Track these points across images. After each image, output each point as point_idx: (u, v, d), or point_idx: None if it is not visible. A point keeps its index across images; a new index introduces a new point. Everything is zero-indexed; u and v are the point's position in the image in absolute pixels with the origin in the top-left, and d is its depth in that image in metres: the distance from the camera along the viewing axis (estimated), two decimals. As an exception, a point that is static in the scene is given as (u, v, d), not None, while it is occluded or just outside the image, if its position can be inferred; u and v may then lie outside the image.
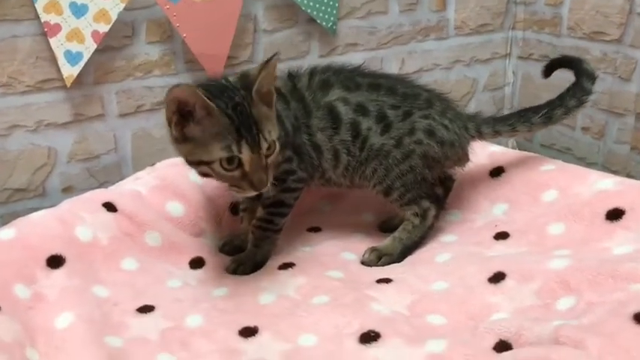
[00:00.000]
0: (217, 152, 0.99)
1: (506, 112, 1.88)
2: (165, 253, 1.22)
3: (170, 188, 1.30)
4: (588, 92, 1.25)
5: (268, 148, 1.02)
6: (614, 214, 1.12)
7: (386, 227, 1.34)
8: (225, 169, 1.00)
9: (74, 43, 1.31)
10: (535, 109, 1.27)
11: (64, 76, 1.34)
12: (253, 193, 1.04)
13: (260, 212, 1.20)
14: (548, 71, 1.31)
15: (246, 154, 0.99)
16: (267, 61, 1.02)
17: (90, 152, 1.45)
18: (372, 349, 0.94)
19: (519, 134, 1.30)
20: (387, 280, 1.13)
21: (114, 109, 1.44)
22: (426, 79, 1.73)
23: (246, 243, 1.26)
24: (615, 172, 1.59)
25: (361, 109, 1.18)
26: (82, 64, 1.33)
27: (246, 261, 1.20)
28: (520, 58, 1.82)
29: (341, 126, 1.18)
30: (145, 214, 1.23)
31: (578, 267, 1.00)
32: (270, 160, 1.03)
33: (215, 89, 1.02)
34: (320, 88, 1.19)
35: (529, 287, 1.01)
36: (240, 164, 1.00)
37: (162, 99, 1.47)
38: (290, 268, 1.18)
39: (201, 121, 0.99)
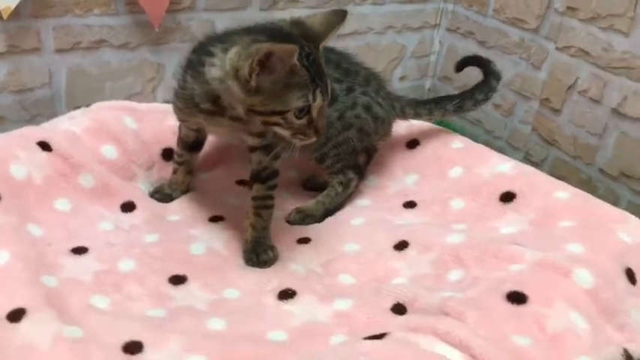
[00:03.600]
0: (294, 102, 1.00)
1: (429, 79, 2.00)
2: (98, 196, 1.27)
3: (105, 131, 1.34)
4: (494, 89, 1.44)
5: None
6: (507, 197, 1.28)
7: (310, 185, 1.45)
8: (297, 118, 1.02)
9: (12, -25, 1.29)
10: (450, 98, 1.44)
11: (1, 8, 1.31)
12: (314, 139, 1.06)
13: (257, 190, 1.19)
14: (460, 67, 1.46)
15: (318, 102, 1.03)
16: (341, 15, 1.03)
17: (23, 84, 1.45)
18: (288, 305, 1.06)
19: (435, 118, 1.45)
20: (307, 240, 1.25)
21: (50, 43, 1.44)
22: (358, 42, 1.82)
23: (177, 192, 1.34)
24: (516, 149, 1.77)
25: None
26: (20, -3, 1.31)
27: (265, 249, 1.17)
28: (448, 30, 1.93)
29: None
30: (79, 156, 1.27)
31: (470, 243, 1.15)
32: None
33: (281, 38, 1.00)
34: None
35: (427, 257, 1.16)
36: (308, 112, 1.03)
37: (100, 38, 1.49)
38: (220, 222, 1.28)
39: (275, 72, 0.98)
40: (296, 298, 1.08)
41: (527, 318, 0.95)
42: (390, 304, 1.06)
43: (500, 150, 1.81)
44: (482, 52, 1.80)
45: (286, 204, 1.37)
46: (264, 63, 0.96)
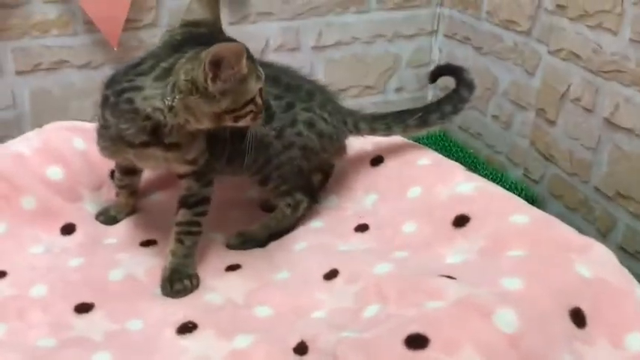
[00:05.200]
0: (255, 85, 1.01)
1: (429, 90, 1.86)
2: (39, 218, 1.25)
3: (52, 152, 1.33)
4: (465, 100, 1.30)
5: None
6: (460, 221, 1.13)
7: (268, 207, 1.36)
8: (260, 96, 1.03)
9: (-39, 0, 1.32)
10: (411, 112, 1.30)
11: (-47, 33, 1.35)
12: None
13: (183, 215, 1.14)
14: (433, 77, 1.35)
15: (263, 73, 1.03)
16: None
17: (-14, 107, 1.48)
18: (186, 340, 0.98)
19: (394, 134, 1.32)
20: (237, 267, 1.16)
21: (10, 66, 1.46)
22: (344, 53, 1.72)
23: (122, 214, 1.30)
24: (516, 165, 1.60)
25: None
26: (-30, 21, 1.34)
27: (181, 278, 1.11)
28: (446, 36, 1.79)
29: None
30: (22, 178, 1.26)
31: (398, 275, 1.03)
32: None
33: (207, 41, 0.99)
34: None
35: (352, 288, 1.05)
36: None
37: (60, 58, 1.49)
38: (152, 246, 1.22)
39: (227, 72, 0.97)
40: (196, 332, 1.00)
41: (420, 367, 0.81)
42: (295, 341, 0.96)
43: (501, 167, 1.65)
44: (479, 59, 1.65)
45: (237, 226, 1.30)
46: (217, 66, 0.95)
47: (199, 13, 1.04)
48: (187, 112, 1.00)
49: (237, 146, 1.18)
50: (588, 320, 0.91)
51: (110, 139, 1.10)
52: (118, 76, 1.08)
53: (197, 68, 0.96)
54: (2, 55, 1.44)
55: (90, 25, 1.46)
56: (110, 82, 1.08)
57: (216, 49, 0.94)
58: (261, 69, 1.03)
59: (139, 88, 1.01)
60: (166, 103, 0.99)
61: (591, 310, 0.92)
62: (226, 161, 1.21)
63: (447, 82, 1.37)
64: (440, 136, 1.84)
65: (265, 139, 1.20)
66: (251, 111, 1.02)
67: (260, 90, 1.02)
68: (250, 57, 1.00)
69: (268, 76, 1.22)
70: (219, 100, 0.99)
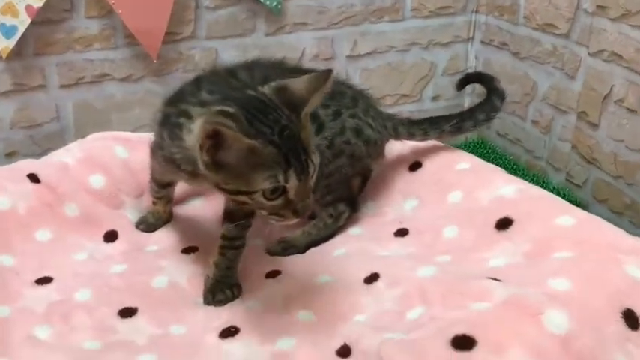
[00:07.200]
0: (261, 183, 0.87)
1: (466, 97, 1.85)
2: (82, 225, 1.27)
3: (95, 161, 1.35)
4: (497, 109, 1.30)
5: (313, 173, 0.92)
6: (503, 224, 1.12)
7: (310, 214, 1.36)
8: (267, 199, 0.89)
9: (8, 16, 1.36)
10: (447, 118, 1.31)
11: (0, 49, 1.39)
12: (295, 221, 0.93)
13: (227, 229, 1.11)
14: (461, 84, 1.36)
15: (293, 183, 0.89)
16: (323, 78, 0.91)
17: (32, 120, 1.51)
18: (227, 343, 0.98)
19: (430, 139, 1.32)
20: (277, 273, 1.16)
21: (55, 80, 1.49)
22: (379, 62, 1.72)
23: (160, 222, 1.32)
24: (557, 170, 1.57)
25: None
26: (17, 37, 1.38)
27: (223, 288, 1.09)
28: (482, 43, 1.78)
29: None
30: (66, 186, 1.29)
31: (441, 278, 1.01)
32: (312, 183, 0.93)
33: (256, 110, 0.89)
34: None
35: (394, 292, 1.03)
36: (284, 192, 0.89)
37: (102, 72, 1.53)
38: (192, 253, 1.23)
39: (232, 150, 0.86)
40: (238, 336, 1.00)
41: (468, 368, 0.79)
42: (338, 344, 0.95)
43: (542, 172, 1.62)
44: (517, 64, 1.63)
45: (278, 232, 1.29)
46: (217, 140, 0.85)
47: (297, 85, 0.92)
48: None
49: None
50: (641, 321, 0.88)
51: (164, 160, 1.06)
52: (183, 94, 1.02)
53: (199, 133, 0.87)
54: (47, 70, 1.48)
55: (130, 39, 1.49)
56: (174, 99, 1.03)
57: (216, 125, 0.84)
58: (294, 174, 0.88)
59: (189, 116, 0.94)
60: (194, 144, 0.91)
61: (644, 311, 0.89)
62: None
63: (483, 89, 1.37)
64: (477, 142, 1.82)
65: (318, 149, 1.17)
66: (245, 203, 0.91)
67: (278, 191, 0.89)
68: (282, 148, 0.87)
69: None
70: (212, 171, 0.89)
